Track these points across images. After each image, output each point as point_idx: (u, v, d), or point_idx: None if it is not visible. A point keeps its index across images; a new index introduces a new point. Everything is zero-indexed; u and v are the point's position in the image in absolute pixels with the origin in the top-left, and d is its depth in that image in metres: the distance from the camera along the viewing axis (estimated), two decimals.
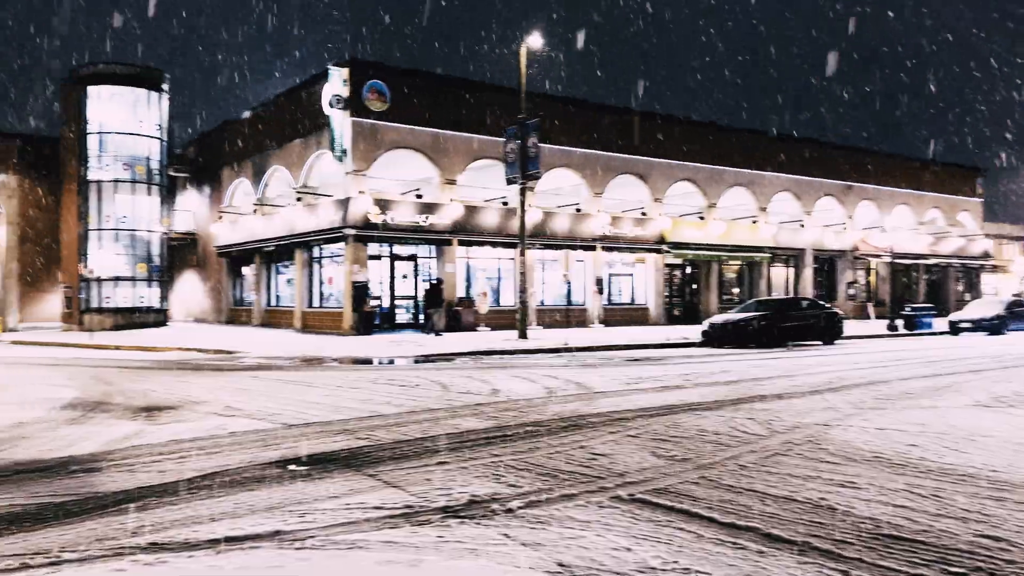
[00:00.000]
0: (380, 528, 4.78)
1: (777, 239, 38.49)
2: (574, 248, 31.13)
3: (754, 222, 37.79)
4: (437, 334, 24.85)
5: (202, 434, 8.05)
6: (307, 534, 4.65)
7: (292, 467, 6.48)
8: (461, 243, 27.97)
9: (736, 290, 39.13)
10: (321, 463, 6.62)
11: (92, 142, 31.09)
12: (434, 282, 26.19)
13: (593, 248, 31.62)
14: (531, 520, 4.95)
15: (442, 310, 25.45)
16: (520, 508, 5.22)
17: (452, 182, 27.70)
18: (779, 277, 40.21)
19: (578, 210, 31.56)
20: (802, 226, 39.79)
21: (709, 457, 6.84)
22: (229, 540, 4.56)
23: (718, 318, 23.88)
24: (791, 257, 40.41)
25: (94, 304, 31.05)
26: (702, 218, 35.96)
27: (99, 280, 30.91)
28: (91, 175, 31.18)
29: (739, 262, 38.15)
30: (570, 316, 31.23)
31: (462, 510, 5.17)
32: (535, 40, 22.48)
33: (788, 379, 13.28)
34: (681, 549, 4.42)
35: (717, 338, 22.53)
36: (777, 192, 38.55)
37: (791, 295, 38.72)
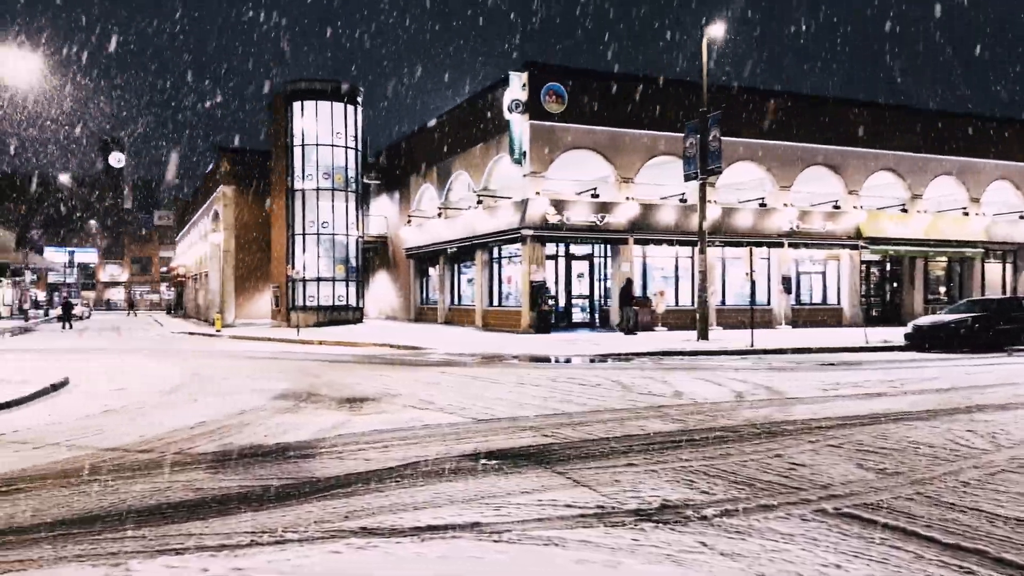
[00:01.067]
0: (573, 527, 4.80)
1: (991, 233, 34.58)
2: (758, 245, 29.76)
3: (964, 214, 34.20)
4: (629, 332, 24.80)
5: (400, 425, 8.51)
6: (504, 527, 4.76)
7: (484, 461, 6.68)
8: (637, 242, 27.63)
9: (943, 289, 35.60)
10: (511, 458, 6.77)
11: (297, 153, 34.00)
12: (627, 281, 26.09)
13: (779, 245, 30.06)
14: (728, 529, 4.76)
15: (630, 309, 25.33)
16: (715, 516, 5.03)
17: (628, 180, 27.44)
18: (994, 275, 36.09)
19: (762, 205, 30.12)
20: (1021, 218, 35.48)
21: (924, 471, 6.25)
22: (432, 529, 4.76)
23: (924, 319, 21.84)
24: (1008, 253, 36.16)
25: (299, 302, 33.92)
26: (904, 210, 33.07)
27: (303, 280, 33.75)
28: (296, 184, 34.10)
29: (946, 258, 34.68)
30: (753, 317, 29.96)
31: (655, 514, 5.07)
32: (717, 30, 21.71)
33: (1011, 387, 11.87)
34: (899, 570, 4.06)
35: (923, 341, 20.61)
36: (992, 181, 34.64)
37: (1009, 294, 34.64)
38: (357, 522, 4.97)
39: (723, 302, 29.83)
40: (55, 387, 11.89)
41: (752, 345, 20.20)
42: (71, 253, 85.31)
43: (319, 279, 34.13)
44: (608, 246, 28.11)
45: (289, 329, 31.19)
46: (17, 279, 60.93)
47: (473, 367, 15.79)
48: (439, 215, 33.96)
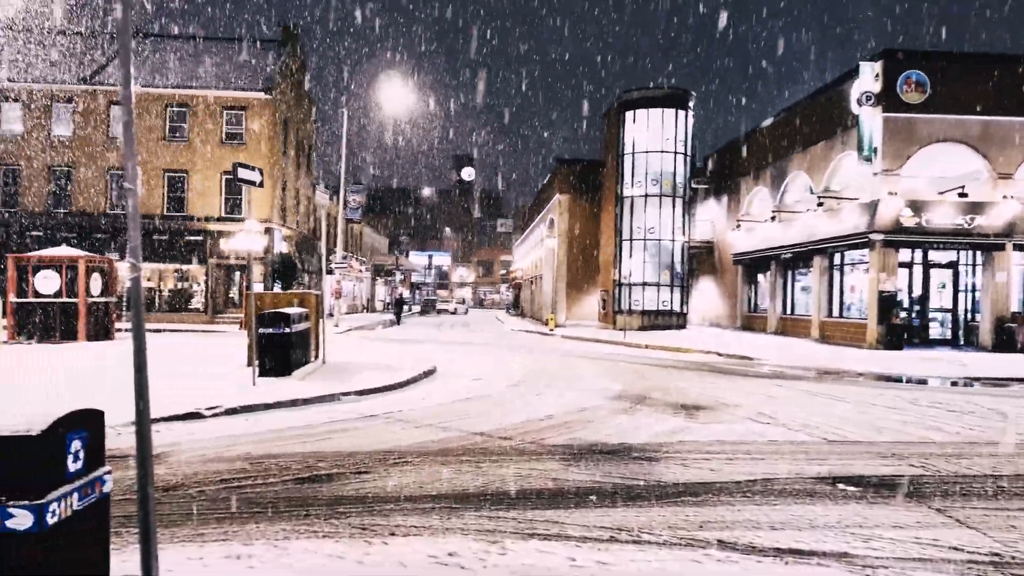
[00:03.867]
0: (965, 573, 4.20)
1: None
2: None
3: None
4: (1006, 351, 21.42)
5: (741, 438, 8.24)
6: (879, 562, 4.34)
7: (842, 486, 6.17)
8: (1017, 247, 23.53)
9: None
10: (874, 487, 6.16)
11: (627, 161, 34.91)
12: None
13: None
14: None
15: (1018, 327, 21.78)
16: None
17: (1007, 176, 23.49)
18: None
19: None
20: None
21: None
22: (794, 552, 4.51)
23: None
24: None
25: (624, 306, 34.77)
26: None
27: (629, 285, 34.53)
28: (625, 191, 35.02)
29: None
30: None
31: None
32: None
33: None
34: None
35: None
36: None
37: None
38: (712, 533, 4.89)
39: None
40: (426, 374, 13.62)
41: None
42: (430, 257, 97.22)
43: (644, 284, 34.63)
44: (977, 252, 24.39)
45: (615, 331, 32.13)
46: (389, 279, 71.18)
47: (810, 382, 14.76)
48: (772, 218, 32.38)
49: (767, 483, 6.21)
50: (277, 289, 31.96)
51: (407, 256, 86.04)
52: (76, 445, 2.76)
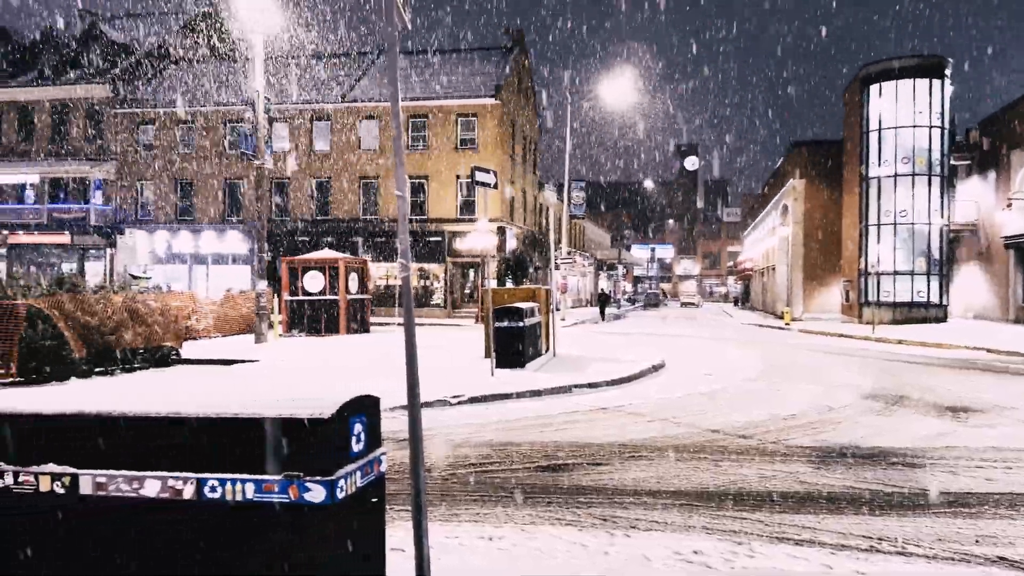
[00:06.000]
0: None
1: None
2: None
3: None
4: None
5: (1023, 445, 7.24)
6: None
7: None
8: None
9: None
10: None
11: (872, 139, 31.98)
12: None
13: None
14: None
15: None
16: None
17: None
18: None
19: None
20: None
21: None
22: None
23: None
24: None
25: (871, 298, 31.90)
26: None
27: (877, 274, 31.62)
28: (871, 172, 32.11)
29: None
30: None
31: None
32: None
33: None
34: None
35: None
36: None
37: None
38: (991, 549, 4.36)
39: None
40: (655, 368, 13.51)
41: None
42: (652, 250, 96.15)
43: (896, 273, 31.50)
44: None
45: (861, 326, 29.62)
46: (611, 273, 71.49)
47: None
48: None
49: None
50: (509, 285, 33.41)
51: (629, 250, 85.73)
52: (358, 427, 3.07)
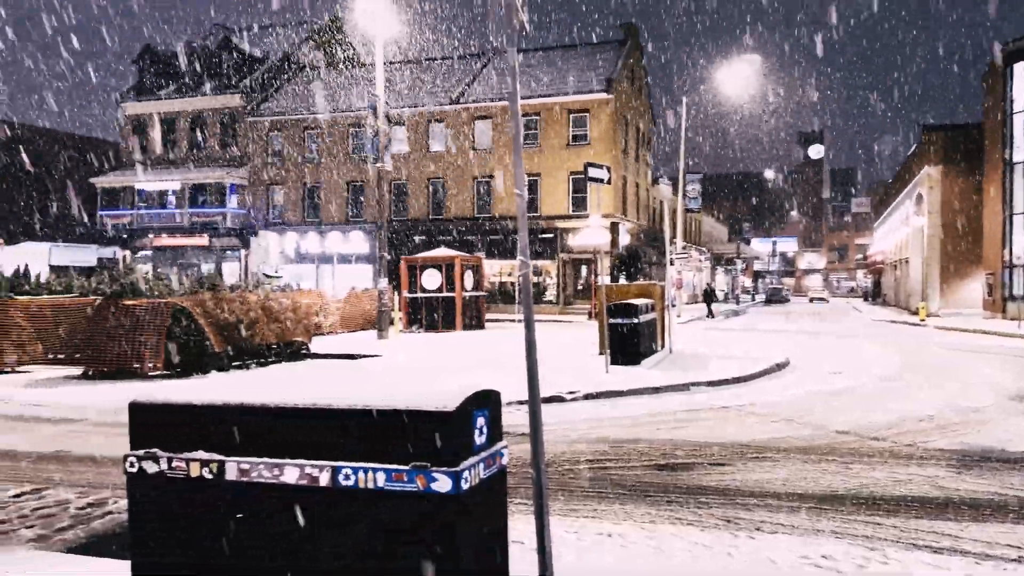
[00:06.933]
0: None
1: None
2: None
3: None
4: None
5: None
6: None
7: None
8: None
9: None
10: None
11: (1017, 121, 29.50)
12: None
13: None
14: None
15: None
16: None
17: None
18: None
19: None
20: None
21: None
22: None
23: None
24: None
25: (1016, 292, 29.46)
26: None
27: (1023, 267, 29.17)
28: (1015, 156, 29.64)
29: None
30: None
31: None
32: None
33: None
34: None
35: None
36: None
37: None
38: None
39: None
40: (779, 366, 13.03)
41: None
42: (774, 243, 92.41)
43: None
44: None
45: (1004, 322, 27.41)
46: (729, 267, 69.41)
47: None
48: None
49: None
50: (622, 281, 33.07)
51: (748, 243, 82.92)
52: (480, 421, 3.16)
